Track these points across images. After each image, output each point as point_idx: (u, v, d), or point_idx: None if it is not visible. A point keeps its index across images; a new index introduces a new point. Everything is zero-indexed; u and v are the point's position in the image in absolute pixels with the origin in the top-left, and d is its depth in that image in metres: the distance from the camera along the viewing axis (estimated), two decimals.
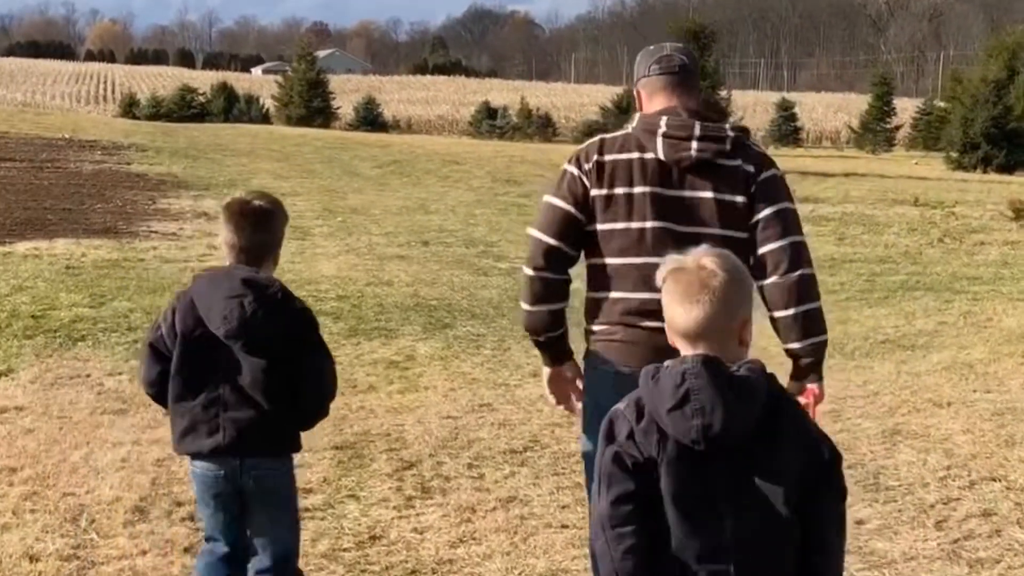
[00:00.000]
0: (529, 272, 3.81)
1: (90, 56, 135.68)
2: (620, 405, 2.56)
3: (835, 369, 8.43)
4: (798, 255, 3.67)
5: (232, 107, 57.15)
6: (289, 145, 33.16)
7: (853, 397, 7.69)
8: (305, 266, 13.15)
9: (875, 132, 57.99)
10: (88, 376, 7.94)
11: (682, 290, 2.58)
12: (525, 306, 3.86)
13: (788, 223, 3.70)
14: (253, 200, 3.81)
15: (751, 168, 3.69)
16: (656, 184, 3.67)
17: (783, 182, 3.78)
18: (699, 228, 3.63)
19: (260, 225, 3.76)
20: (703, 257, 2.61)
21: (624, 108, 59.00)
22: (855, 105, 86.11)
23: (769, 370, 2.59)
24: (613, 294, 3.71)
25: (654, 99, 3.80)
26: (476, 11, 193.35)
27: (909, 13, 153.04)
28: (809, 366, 3.71)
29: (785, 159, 46.54)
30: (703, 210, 3.66)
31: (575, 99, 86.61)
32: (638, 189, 3.67)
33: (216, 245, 14.37)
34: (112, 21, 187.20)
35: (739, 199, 3.66)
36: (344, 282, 12.09)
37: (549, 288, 3.79)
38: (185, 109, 54.81)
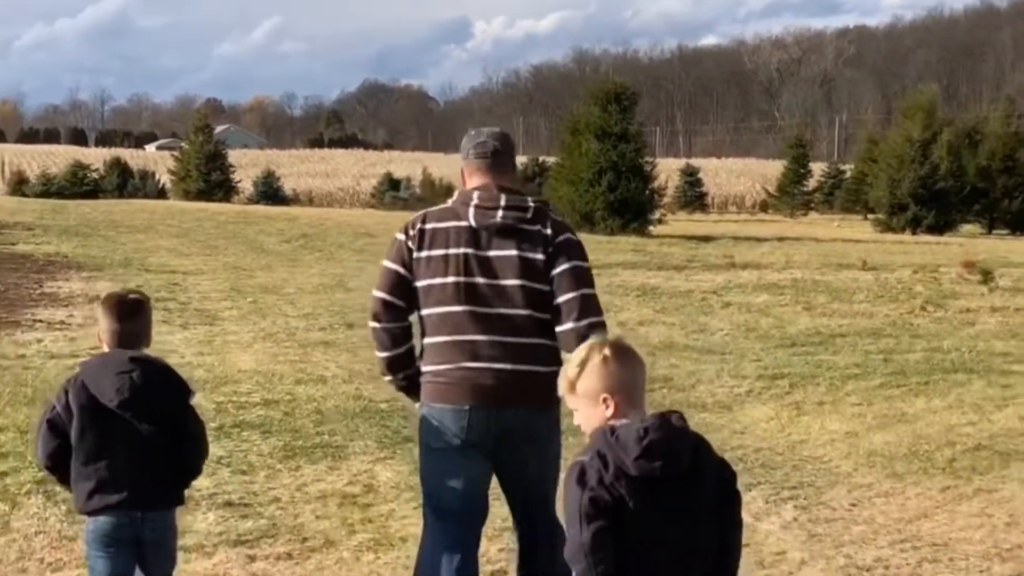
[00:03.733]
0: (373, 324, 4.45)
1: None
2: (584, 458, 3.09)
3: (952, 497, 6.63)
4: (588, 305, 4.27)
5: (126, 183, 54.80)
6: (188, 220, 31.10)
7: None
8: (217, 359, 11.10)
9: (792, 195, 57.48)
10: None
11: (627, 358, 3.25)
12: (377, 353, 4.49)
13: (580, 278, 4.29)
14: (128, 294, 4.41)
15: (549, 232, 4.30)
16: (468, 246, 4.26)
17: (578, 244, 4.38)
18: (505, 280, 4.25)
19: (136, 314, 4.28)
20: (620, 337, 3.34)
21: (530, 176, 58.06)
22: (756, 170, 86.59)
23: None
24: (435, 339, 4.31)
25: (472, 178, 4.46)
26: (370, 85, 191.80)
27: (800, 79, 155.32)
28: None
29: (704, 225, 45.69)
30: (508, 265, 4.26)
31: None
32: (453, 251, 4.27)
33: None
34: (3, 102, 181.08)
35: (539, 256, 4.26)
36: (268, 380, 10.05)
37: (391, 335, 4.41)
38: (77, 186, 52.21)
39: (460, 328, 4.25)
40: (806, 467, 7.47)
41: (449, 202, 4.43)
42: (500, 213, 4.27)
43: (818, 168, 64.33)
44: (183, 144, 58.20)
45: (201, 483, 6.55)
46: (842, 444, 8.01)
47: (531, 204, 4.34)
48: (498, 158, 4.47)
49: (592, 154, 31.23)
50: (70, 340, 12.16)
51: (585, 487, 3.02)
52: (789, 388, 10.02)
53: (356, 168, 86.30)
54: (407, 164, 79.72)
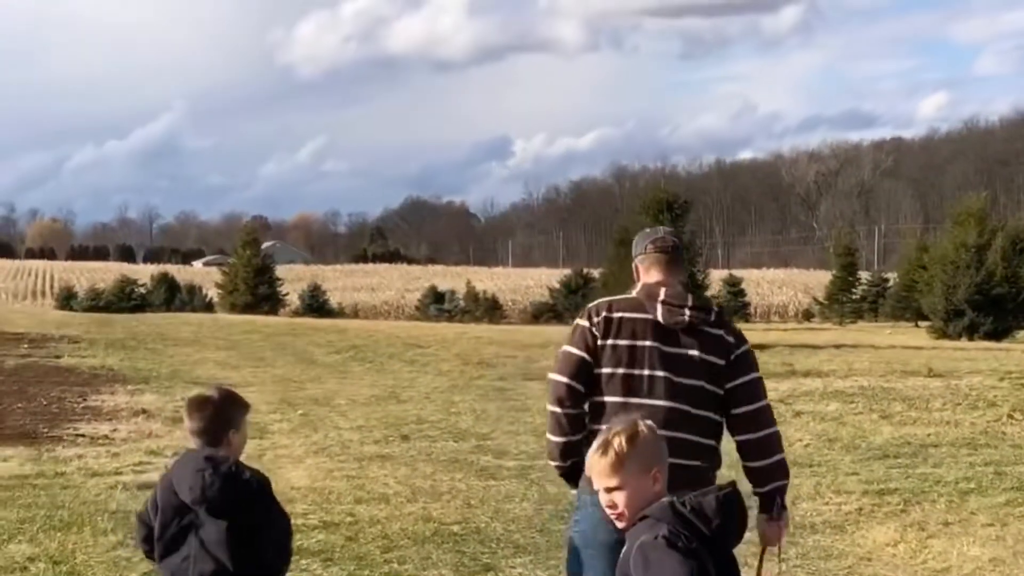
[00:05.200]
0: (554, 409, 4.46)
1: (30, 254, 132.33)
2: (661, 531, 3.06)
3: None
4: (767, 417, 4.46)
5: (174, 297, 55.15)
6: (236, 333, 30.61)
7: None
8: (270, 475, 10.36)
9: (842, 303, 56.70)
10: None
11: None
12: (553, 438, 4.50)
13: (759, 390, 4.47)
14: (207, 392, 4.47)
15: (732, 340, 4.45)
16: (656, 340, 4.37)
17: (753, 355, 4.53)
18: (689, 379, 4.35)
19: (211, 412, 4.33)
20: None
21: (573, 289, 57.76)
22: (797, 280, 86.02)
23: None
24: (607, 427, 4.16)
25: (650, 272, 4.56)
26: (412, 202, 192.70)
27: (838, 191, 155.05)
28: (773, 503, 4.43)
29: (754, 333, 44.27)
30: (692, 365, 4.37)
31: (519, 282, 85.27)
32: (640, 343, 4.36)
33: (154, 450, 11.82)
34: (53, 219, 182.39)
35: (720, 362, 4.40)
36: (325, 498, 9.33)
37: (571, 421, 4.43)
38: (125, 300, 52.50)
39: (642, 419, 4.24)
40: None
41: (633, 293, 4.50)
42: (688, 313, 4.37)
43: (860, 277, 63.80)
44: (230, 259, 58.36)
45: None
46: (993, 575, 7.15)
47: (715, 308, 4.49)
48: (677, 253, 4.61)
49: None
50: (113, 455, 11.58)
51: (684, 555, 3.03)
52: (904, 506, 9.17)
53: (400, 282, 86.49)
54: (450, 278, 79.84)
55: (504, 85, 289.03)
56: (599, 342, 4.37)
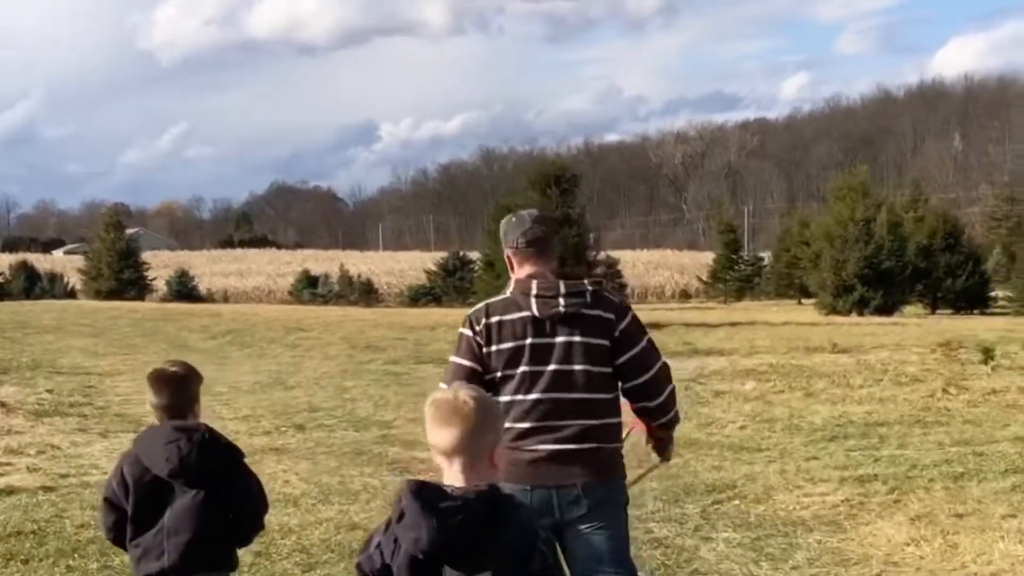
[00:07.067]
0: None
1: None
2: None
3: None
4: (662, 381, 4.48)
5: (34, 286, 53.02)
6: (102, 319, 28.87)
7: None
8: None
9: (725, 282, 56.49)
10: None
11: (441, 415, 2.89)
12: None
13: (649, 358, 4.44)
14: (168, 367, 4.37)
15: (611, 316, 4.38)
16: (534, 336, 4.37)
17: (637, 321, 4.44)
18: (570, 366, 4.34)
19: (172, 386, 4.29)
20: (459, 391, 2.95)
21: (451, 271, 56.72)
22: (672, 260, 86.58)
23: None
24: (507, 425, 4.26)
25: (523, 266, 4.52)
26: (278, 187, 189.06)
27: (706, 172, 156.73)
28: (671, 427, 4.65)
29: (643, 313, 44.08)
30: (573, 352, 4.35)
31: (392, 265, 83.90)
32: (522, 342, 4.37)
33: (15, 449, 10.50)
34: None
35: (603, 342, 4.37)
36: None
37: None
38: None
39: (529, 415, 4.31)
40: None
41: (507, 292, 4.49)
42: (562, 302, 4.35)
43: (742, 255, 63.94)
44: (93, 245, 56.07)
45: None
46: None
47: (588, 289, 4.42)
48: (546, 244, 4.55)
49: None
50: None
51: (361, 552, 2.94)
52: (896, 495, 8.06)
53: (270, 267, 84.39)
54: (321, 262, 78.22)
55: (369, 69, 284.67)
56: (484, 349, 4.39)
